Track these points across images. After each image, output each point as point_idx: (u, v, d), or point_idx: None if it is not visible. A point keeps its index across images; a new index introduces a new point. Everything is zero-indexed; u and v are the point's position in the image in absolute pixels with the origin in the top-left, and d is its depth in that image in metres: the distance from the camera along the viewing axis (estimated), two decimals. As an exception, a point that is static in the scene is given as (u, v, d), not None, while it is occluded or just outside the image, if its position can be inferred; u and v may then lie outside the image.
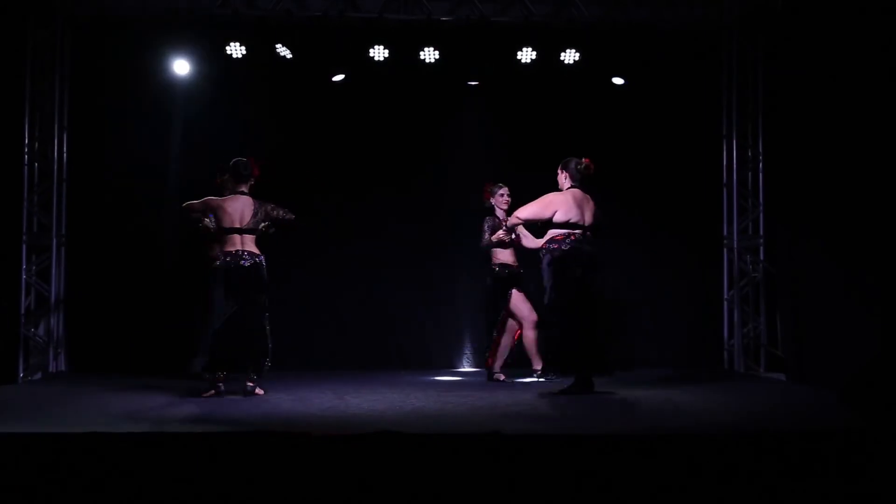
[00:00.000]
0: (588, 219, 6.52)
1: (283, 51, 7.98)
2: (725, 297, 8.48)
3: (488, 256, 7.36)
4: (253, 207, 6.42)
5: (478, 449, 4.35)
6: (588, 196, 6.60)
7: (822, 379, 6.71)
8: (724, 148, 8.48)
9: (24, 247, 7.81)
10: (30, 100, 7.84)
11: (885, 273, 6.01)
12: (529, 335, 7.32)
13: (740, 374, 8.16)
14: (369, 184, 8.37)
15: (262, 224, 6.42)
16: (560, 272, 6.42)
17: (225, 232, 6.40)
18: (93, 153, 8.15)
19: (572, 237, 6.46)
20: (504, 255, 7.34)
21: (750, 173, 8.39)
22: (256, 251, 6.42)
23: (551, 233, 6.51)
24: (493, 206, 7.42)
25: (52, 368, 7.84)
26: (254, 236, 6.42)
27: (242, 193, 6.47)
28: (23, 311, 7.76)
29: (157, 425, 5.08)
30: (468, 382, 7.39)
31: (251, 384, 6.39)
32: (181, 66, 8.05)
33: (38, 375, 7.74)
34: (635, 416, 5.53)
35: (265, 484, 4.10)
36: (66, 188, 8.02)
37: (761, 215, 8.28)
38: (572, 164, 6.63)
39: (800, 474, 4.22)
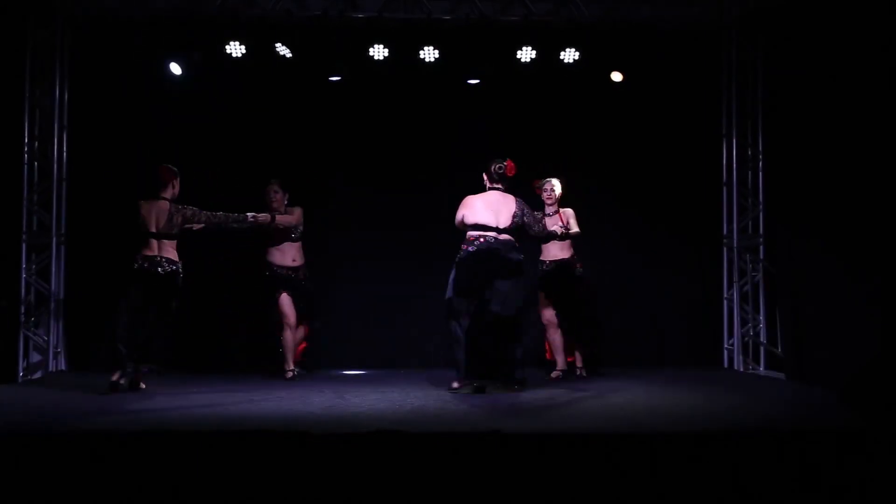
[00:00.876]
0: (503, 221, 6.50)
1: (283, 50, 7.98)
2: (725, 296, 8.48)
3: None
4: (168, 212, 6.67)
5: (478, 448, 4.35)
6: (511, 197, 6.58)
7: (821, 378, 6.71)
8: (724, 147, 8.48)
9: (23, 246, 7.80)
10: (30, 99, 7.83)
11: (885, 272, 6.01)
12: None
13: (740, 372, 8.17)
14: (369, 183, 8.37)
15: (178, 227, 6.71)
16: (460, 273, 6.44)
17: (143, 236, 6.68)
18: (93, 152, 8.13)
19: (482, 239, 6.45)
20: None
21: (750, 172, 8.40)
22: (174, 257, 6.70)
23: (467, 234, 6.55)
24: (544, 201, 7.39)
25: (51, 368, 7.84)
26: (173, 241, 6.70)
27: (162, 199, 6.74)
28: (22, 310, 7.76)
29: (156, 424, 5.08)
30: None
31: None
32: (181, 66, 8.04)
33: (38, 374, 7.75)
34: (635, 415, 5.53)
35: (265, 483, 4.10)
36: (65, 187, 8.01)
37: (761, 214, 8.29)
38: (491, 166, 6.67)
39: (798, 474, 4.22)
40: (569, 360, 7.52)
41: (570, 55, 8.12)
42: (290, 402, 6.09)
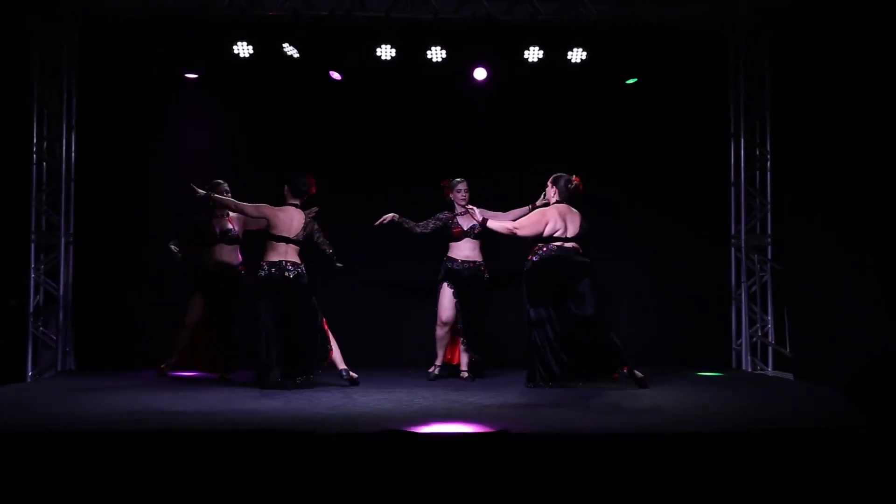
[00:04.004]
0: (571, 231, 6.87)
1: (290, 50, 7.99)
2: (733, 296, 8.47)
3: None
4: (303, 221, 6.88)
5: (485, 448, 4.35)
6: (575, 210, 6.95)
7: (829, 378, 6.69)
8: (732, 146, 8.47)
9: (32, 246, 7.84)
10: (38, 99, 7.86)
11: (895, 272, 6.00)
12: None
13: (748, 373, 8.16)
14: (375, 182, 8.37)
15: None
16: (532, 283, 6.85)
17: (273, 239, 6.79)
18: (101, 152, 8.17)
19: (544, 248, 6.86)
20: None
21: (758, 172, 8.38)
22: (299, 261, 6.87)
23: (537, 244, 6.89)
24: (451, 201, 7.49)
25: (60, 367, 7.88)
26: (298, 248, 6.87)
27: (295, 206, 6.90)
28: (31, 309, 7.80)
29: (163, 423, 5.10)
30: (480, 381, 7.36)
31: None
32: (188, 65, 8.06)
33: (48, 374, 7.78)
34: (643, 416, 5.52)
35: (271, 483, 4.11)
36: (74, 187, 8.05)
37: (769, 214, 8.27)
38: (560, 182, 6.97)
39: (806, 474, 4.22)
40: (454, 362, 7.55)
41: (577, 55, 8.10)
42: (296, 401, 6.10)
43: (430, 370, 7.48)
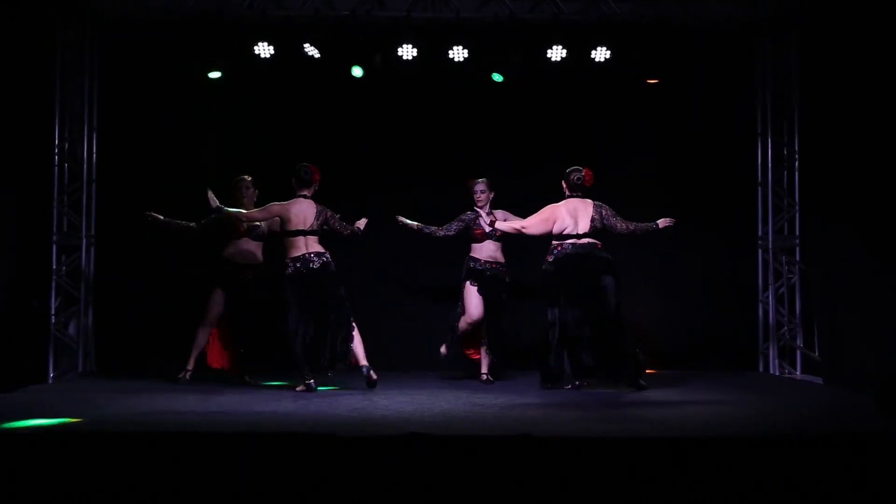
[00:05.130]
0: (583, 227, 6.79)
1: (311, 50, 7.99)
2: (760, 298, 8.37)
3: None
4: (315, 210, 6.82)
5: (508, 452, 4.31)
6: (589, 203, 6.88)
7: (860, 382, 6.60)
8: (759, 146, 8.38)
9: (53, 247, 7.88)
10: (59, 101, 7.90)
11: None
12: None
13: (775, 377, 8.06)
14: (398, 183, 8.34)
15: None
16: (548, 281, 6.82)
17: (290, 235, 6.77)
18: (122, 154, 8.21)
19: (560, 247, 6.83)
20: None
21: (785, 172, 8.29)
22: (322, 250, 6.82)
23: (552, 243, 6.89)
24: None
25: (81, 369, 7.91)
26: (317, 237, 6.81)
27: (304, 197, 6.84)
28: (53, 311, 7.84)
29: (182, 426, 5.10)
30: (500, 384, 7.33)
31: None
32: (209, 67, 8.08)
33: (69, 376, 7.81)
34: (668, 420, 5.46)
35: (290, 486, 4.09)
36: (95, 188, 8.09)
37: (797, 215, 8.17)
38: (571, 176, 6.95)
39: (835, 480, 4.15)
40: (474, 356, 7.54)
41: (601, 54, 8.04)
42: (316, 403, 6.09)
43: (483, 377, 7.38)
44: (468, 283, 7.36)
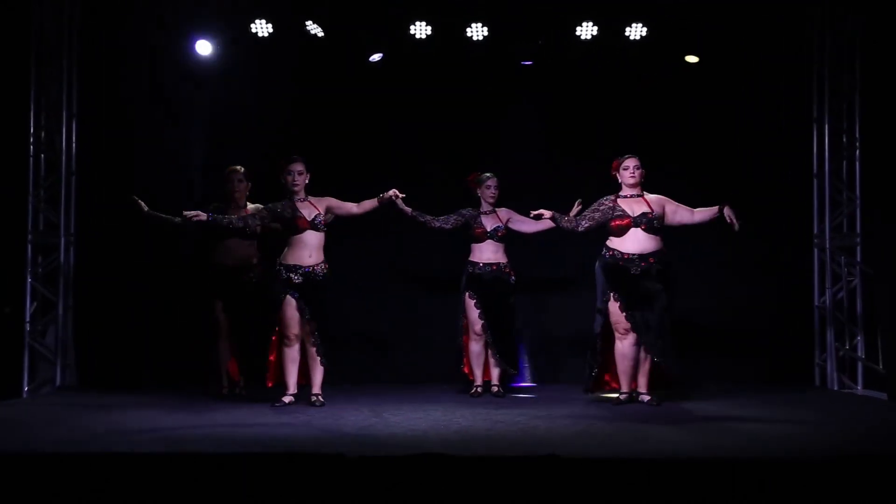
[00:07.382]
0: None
1: (314, 28, 8.03)
2: (816, 304, 8.34)
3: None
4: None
5: (532, 473, 4.32)
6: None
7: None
8: (815, 133, 8.36)
9: (29, 247, 7.91)
10: (35, 84, 7.92)
11: None
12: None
13: (834, 392, 8.04)
14: (411, 176, 8.29)
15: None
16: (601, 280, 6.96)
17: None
18: (105, 143, 8.21)
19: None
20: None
21: (845, 162, 8.25)
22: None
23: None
24: (479, 197, 7.52)
25: (60, 382, 7.95)
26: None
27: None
28: (28, 318, 7.88)
29: (175, 445, 5.12)
30: (521, 399, 7.35)
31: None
32: (201, 47, 8.12)
33: (45, 389, 7.86)
34: (710, 439, 5.45)
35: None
36: (75, 182, 8.11)
37: (858, 210, 8.13)
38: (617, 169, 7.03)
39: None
40: (485, 378, 7.58)
41: (636, 31, 8.06)
42: (321, 420, 6.12)
43: (472, 392, 7.49)
44: (467, 295, 7.48)
